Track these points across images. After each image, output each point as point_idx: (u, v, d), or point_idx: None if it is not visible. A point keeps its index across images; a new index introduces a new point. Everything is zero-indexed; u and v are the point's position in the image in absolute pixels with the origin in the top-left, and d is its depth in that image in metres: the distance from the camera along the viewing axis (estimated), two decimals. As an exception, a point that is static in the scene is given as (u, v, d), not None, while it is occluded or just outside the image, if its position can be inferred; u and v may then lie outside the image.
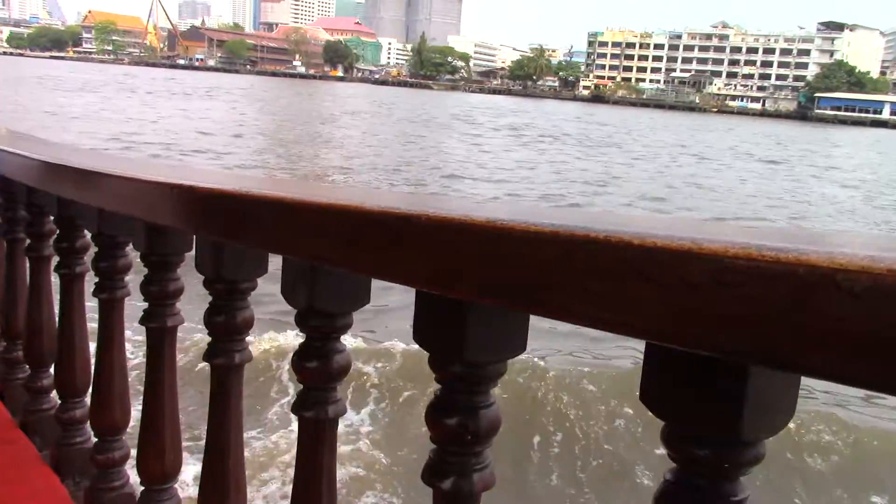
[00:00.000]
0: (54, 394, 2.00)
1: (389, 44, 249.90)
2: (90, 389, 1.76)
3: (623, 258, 0.54)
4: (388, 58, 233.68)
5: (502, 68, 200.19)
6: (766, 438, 0.58)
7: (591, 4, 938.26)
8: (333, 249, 0.86)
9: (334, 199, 0.84)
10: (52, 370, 2.02)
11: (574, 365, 7.18)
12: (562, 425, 5.98)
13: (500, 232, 0.63)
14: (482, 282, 0.67)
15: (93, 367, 1.78)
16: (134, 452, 1.58)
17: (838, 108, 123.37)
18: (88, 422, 1.82)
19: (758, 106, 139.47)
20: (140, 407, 1.54)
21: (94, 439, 1.76)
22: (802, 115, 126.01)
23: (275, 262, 1.10)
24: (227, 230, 1.09)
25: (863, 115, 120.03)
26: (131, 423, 1.73)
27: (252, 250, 1.18)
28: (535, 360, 6.82)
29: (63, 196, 1.68)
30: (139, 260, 1.50)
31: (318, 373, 1.04)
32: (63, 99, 39.92)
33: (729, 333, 0.48)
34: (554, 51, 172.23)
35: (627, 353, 7.32)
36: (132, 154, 18.89)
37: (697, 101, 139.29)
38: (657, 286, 0.52)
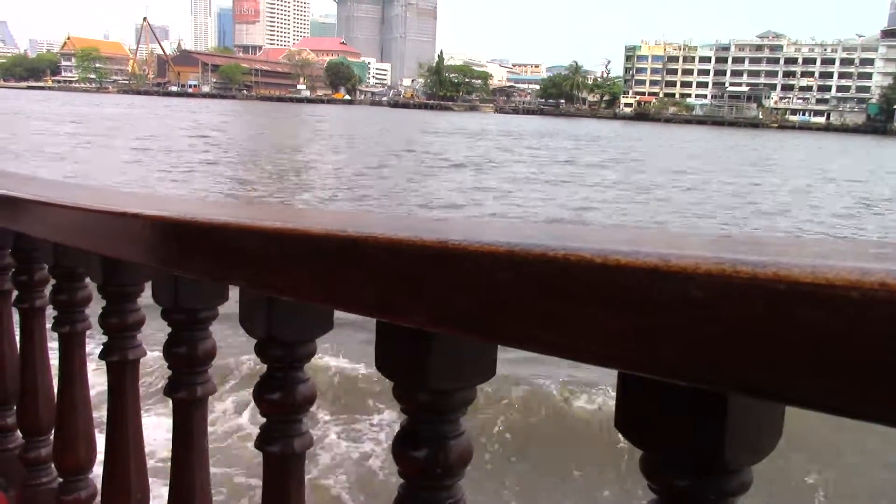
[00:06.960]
0: (19, 432, 1.93)
1: (369, 63, 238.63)
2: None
3: (584, 279, 0.48)
4: (369, 77, 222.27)
5: (510, 86, 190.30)
6: (750, 465, 0.53)
7: (566, 18, 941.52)
8: (279, 277, 0.80)
9: (279, 222, 0.79)
10: (15, 408, 1.94)
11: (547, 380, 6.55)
12: (538, 452, 5.60)
13: (453, 253, 0.57)
14: (435, 309, 0.61)
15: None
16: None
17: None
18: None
19: (821, 120, 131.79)
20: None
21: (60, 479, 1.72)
22: (874, 128, 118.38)
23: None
24: (174, 260, 1.03)
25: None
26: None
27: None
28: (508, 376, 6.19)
29: (14, 229, 1.63)
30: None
31: (281, 405, 1.00)
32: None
33: (703, 360, 0.43)
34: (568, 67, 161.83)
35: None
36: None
37: (760, 115, 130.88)
38: (622, 309, 0.46)
